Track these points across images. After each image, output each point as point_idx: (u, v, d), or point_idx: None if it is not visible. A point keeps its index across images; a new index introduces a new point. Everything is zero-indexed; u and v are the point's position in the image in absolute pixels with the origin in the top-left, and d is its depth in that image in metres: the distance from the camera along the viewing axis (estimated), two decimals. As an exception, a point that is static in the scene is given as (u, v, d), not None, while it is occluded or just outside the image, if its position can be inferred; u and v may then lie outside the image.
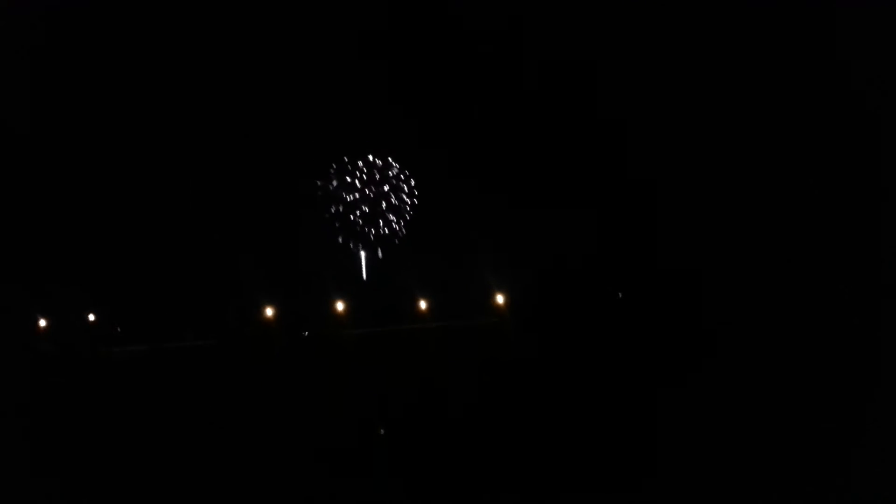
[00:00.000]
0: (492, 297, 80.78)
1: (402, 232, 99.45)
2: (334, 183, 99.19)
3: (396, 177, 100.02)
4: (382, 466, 33.61)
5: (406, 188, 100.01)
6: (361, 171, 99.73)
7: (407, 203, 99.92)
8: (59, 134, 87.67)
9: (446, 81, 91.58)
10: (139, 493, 31.36)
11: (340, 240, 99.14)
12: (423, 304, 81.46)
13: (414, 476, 31.90)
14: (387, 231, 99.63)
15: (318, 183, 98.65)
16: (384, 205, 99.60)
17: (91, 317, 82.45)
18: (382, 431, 41.06)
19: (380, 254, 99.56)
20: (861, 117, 74.31)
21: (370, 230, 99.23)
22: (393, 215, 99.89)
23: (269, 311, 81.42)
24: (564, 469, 31.72)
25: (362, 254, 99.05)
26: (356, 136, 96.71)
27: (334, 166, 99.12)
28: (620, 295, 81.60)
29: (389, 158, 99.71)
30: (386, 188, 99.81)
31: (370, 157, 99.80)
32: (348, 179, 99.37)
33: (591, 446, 34.88)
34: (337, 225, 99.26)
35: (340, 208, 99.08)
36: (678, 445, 32.99)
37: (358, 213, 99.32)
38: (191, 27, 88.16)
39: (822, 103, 76.48)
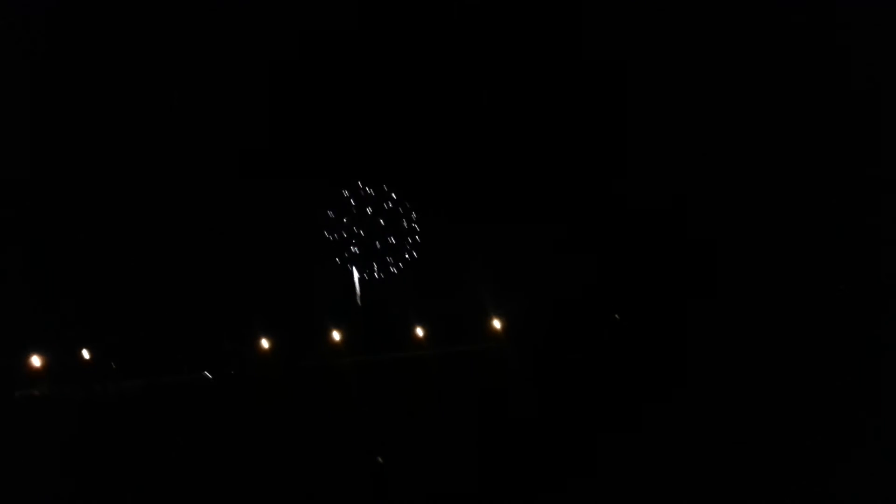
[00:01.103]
0: (488, 321, 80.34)
1: (399, 269, 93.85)
2: (329, 215, 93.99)
3: (394, 210, 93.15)
4: (382, 496, 33.37)
5: (405, 223, 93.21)
6: (351, 203, 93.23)
7: (408, 242, 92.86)
8: (44, 170, 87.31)
9: (439, 97, 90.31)
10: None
11: (333, 270, 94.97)
12: (419, 332, 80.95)
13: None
14: (382, 276, 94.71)
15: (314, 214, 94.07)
16: (378, 245, 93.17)
17: (86, 354, 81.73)
18: (381, 460, 40.78)
19: (376, 276, 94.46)
20: (861, 116, 73.99)
21: (364, 273, 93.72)
22: (391, 256, 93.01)
23: (264, 343, 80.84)
24: (566, 493, 31.51)
25: (356, 283, 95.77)
26: (344, 163, 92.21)
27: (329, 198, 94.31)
28: (617, 317, 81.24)
29: (384, 187, 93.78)
30: (382, 222, 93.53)
31: (360, 186, 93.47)
32: (332, 214, 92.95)
33: (594, 470, 34.69)
34: (330, 257, 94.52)
35: (334, 238, 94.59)
36: (683, 462, 32.82)
37: (348, 252, 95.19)
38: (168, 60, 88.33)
39: (819, 103, 76.08)
